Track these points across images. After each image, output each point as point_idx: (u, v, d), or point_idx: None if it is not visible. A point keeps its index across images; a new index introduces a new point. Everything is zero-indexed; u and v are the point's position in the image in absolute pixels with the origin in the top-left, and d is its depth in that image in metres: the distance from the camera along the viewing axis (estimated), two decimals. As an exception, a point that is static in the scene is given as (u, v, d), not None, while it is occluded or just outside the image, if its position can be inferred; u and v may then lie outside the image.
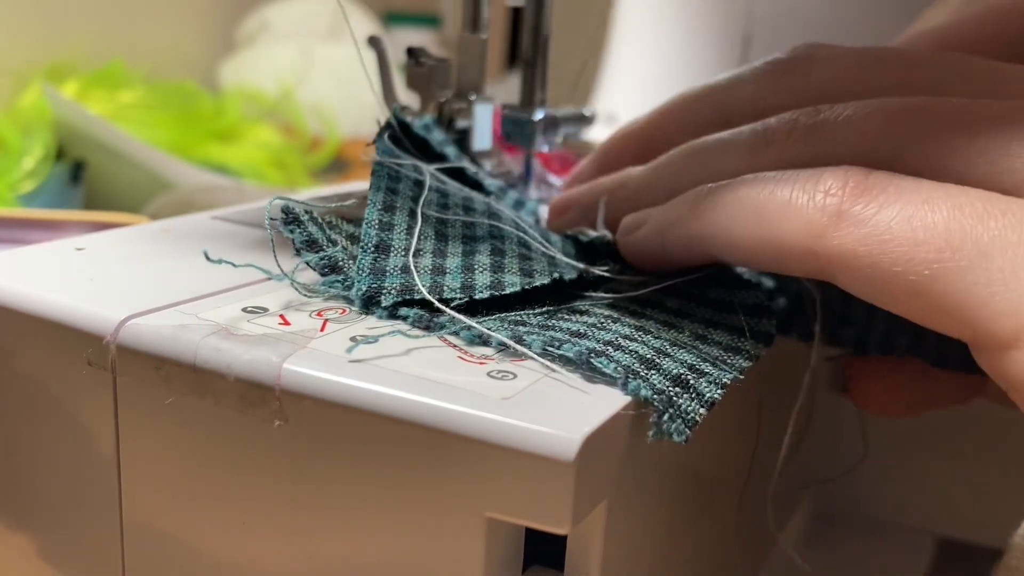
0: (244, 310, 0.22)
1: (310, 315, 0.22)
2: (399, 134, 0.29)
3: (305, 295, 0.23)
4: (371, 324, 0.21)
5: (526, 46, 0.35)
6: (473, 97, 0.33)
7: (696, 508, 0.25)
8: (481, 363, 0.20)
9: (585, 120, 0.37)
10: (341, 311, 0.22)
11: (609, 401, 0.18)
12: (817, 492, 0.38)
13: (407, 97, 0.34)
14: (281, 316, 0.22)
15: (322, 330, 0.21)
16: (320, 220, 0.25)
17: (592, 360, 0.19)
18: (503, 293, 0.23)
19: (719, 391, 0.20)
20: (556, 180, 0.37)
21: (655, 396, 0.19)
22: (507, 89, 0.39)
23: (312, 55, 0.77)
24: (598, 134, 0.57)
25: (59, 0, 0.72)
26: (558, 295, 0.24)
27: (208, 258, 0.23)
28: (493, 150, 0.34)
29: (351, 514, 0.19)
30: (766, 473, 0.28)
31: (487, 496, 0.18)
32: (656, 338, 0.22)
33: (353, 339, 0.20)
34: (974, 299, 0.18)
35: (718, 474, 0.26)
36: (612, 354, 0.20)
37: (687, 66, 0.69)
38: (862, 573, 0.36)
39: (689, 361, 0.21)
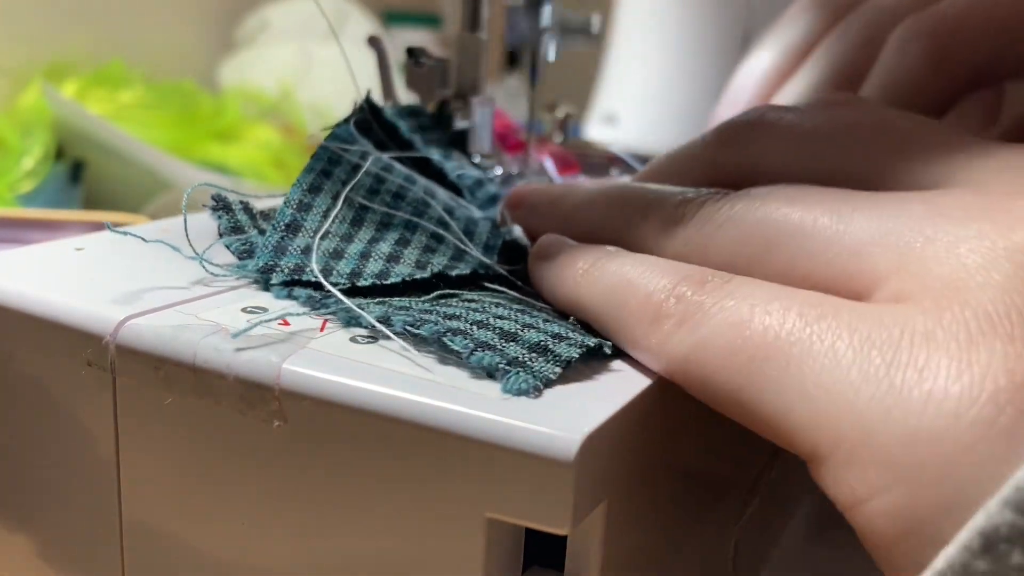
0: (244, 310, 0.22)
1: (310, 315, 0.22)
2: (369, 118, 0.30)
3: (213, 274, 0.24)
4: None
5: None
6: (473, 97, 0.33)
7: (696, 508, 0.25)
8: (481, 363, 0.20)
9: (590, 36, 0.36)
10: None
11: (609, 401, 0.18)
12: (817, 492, 0.38)
13: (407, 97, 0.34)
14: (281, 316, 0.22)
15: (322, 330, 0.21)
16: (252, 210, 0.26)
17: (443, 339, 0.19)
18: (385, 283, 0.23)
19: (578, 350, 0.20)
20: (555, 171, 0.37)
21: (499, 363, 0.19)
22: (508, 89, 0.39)
23: (312, 55, 0.77)
24: (598, 134, 0.57)
25: (59, 0, 0.72)
26: (461, 286, 0.24)
27: (110, 228, 0.25)
28: (493, 150, 0.34)
29: (350, 514, 0.19)
30: (766, 472, 0.28)
31: (487, 496, 0.17)
32: (532, 317, 0.22)
33: (354, 340, 0.20)
34: (776, 410, 0.17)
35: (718, 474, 0.26)
36: (474, 332, 0.20)
37: (687, 65, 0.69)
38: (862, 573, 0.36)
39: (555, 331, 0.21)
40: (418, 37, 0.98)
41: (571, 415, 0.17)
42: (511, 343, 0.20)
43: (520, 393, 0.18)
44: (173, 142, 0.62)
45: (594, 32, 0.37)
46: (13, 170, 0.54)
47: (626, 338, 0.21)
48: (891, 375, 0.16)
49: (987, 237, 0.17)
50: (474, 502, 0.18)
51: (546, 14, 0.34)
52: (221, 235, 0.25)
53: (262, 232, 0.25)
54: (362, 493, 0.19)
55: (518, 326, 0.21)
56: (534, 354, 0.19)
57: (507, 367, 0.19)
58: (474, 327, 0.20)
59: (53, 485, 0.23)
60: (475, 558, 0.18)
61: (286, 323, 0.21)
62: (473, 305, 0.22)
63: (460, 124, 0.33)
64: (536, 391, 0.18)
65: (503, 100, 0.35)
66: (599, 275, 0.22)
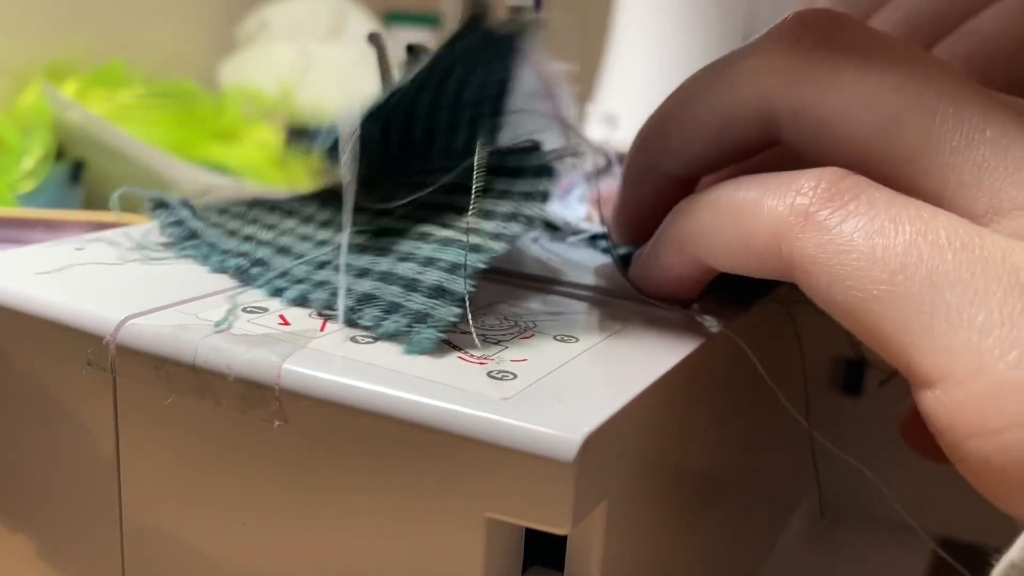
0: (244, 310, 0.22)
1: (310, 315, 0.22)
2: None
3: (126, 249, 0.25)
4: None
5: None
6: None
7: (697, 508, 0.25)
8: (481, 363, 0.20)
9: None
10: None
11: (609, 401, 0.18)
12: (817, 492, 0.38)
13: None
14: (281, 316, 0.22)
15: (322, 330, 0.21)
16: (197, 209, 0.27)
17: (353, 317, 0.20)
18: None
19: (471, 284, 0.20)
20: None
21: (402, 327, 0.19)
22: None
23: (312, 55, 0.77)
24: (598, 134, 0.57)
25: (59, 0, 0.72)
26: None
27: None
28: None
29: (350, 515, 0.19)
30: (767, 473, 0.28)
31: (487, 496, 0.17)
32: (428, 243, 0.22)
33: (354, 339, 0.20)
34: (913, 330, 0.17)
35: (719, 474, 0.26)
36: (382, 291, 0.20)
37: (687, 66, 0.69)
38: (862, 573, 0.36)
39: (452, 260, 0.21)
40: (418, 37, 0.98)
41: (571, 415, 0.17)
42: (414, 293, 0.20)
43: (424, 352, 0.19)
44: (173, 142, 0.63)
45: None
46: (13, 170, 0.54)
47: (742, 247, 0.20)
48: None
49: None
50: (474, 502, 0.18)
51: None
52: (156, 218, 0.27)
53: (199, 218, 0.27)
54: (362, 493, 0.19)
55: (417, 266, 0.21)
56: (434, 301, 0.20)
57: (408, 328, 0.19)
58: (381, 282, 0.20)
59: (53, 485, 0.23)
60: (475, 558, 0.18)
61: (286, 322, 0.21)
62: (380, 243, 0.22)
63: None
64: (439, 347, 0.19)
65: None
66: (702, 201, 0.21)
